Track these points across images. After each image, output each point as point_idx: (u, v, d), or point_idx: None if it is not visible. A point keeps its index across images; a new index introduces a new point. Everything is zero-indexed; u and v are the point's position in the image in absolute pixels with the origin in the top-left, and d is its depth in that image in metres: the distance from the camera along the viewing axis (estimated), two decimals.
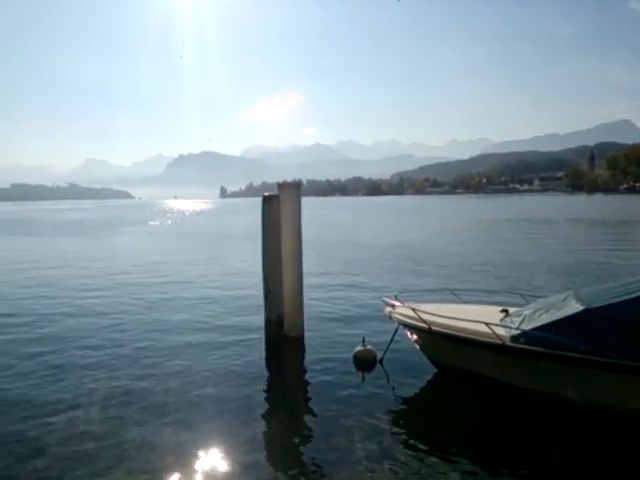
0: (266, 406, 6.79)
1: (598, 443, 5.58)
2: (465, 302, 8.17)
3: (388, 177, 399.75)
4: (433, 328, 6.93)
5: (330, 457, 5.33)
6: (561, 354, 5.82)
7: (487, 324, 6.36)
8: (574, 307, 6.13)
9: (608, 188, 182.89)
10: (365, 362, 7.99)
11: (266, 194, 9.73)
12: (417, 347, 7.81)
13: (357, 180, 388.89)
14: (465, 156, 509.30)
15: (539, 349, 5.96)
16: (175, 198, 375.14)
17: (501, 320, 6.86)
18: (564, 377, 5.92)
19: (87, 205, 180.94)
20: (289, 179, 10.84)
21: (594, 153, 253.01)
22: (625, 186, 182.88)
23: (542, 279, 15.22)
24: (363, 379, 7.60)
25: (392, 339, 8.02)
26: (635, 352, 5.53)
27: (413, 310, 7.26)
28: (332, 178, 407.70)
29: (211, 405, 6.66)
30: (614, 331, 5.79)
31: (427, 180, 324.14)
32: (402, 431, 5.98)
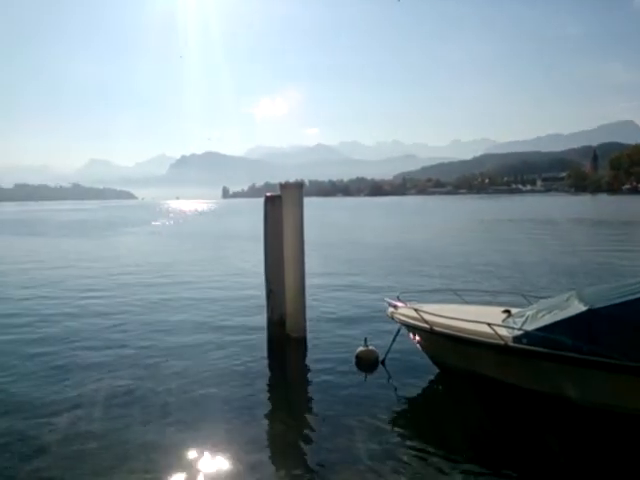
0: (268, 406, 6.80)
1: (601, 443, 5.57)
2: (467, 303, 8.16)
3: (391, 177, 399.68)
4: (435, 329, 6.93)
5: (332, 457, 5.33)
6: (564, 355, 5.81)
7: (489, 325, 6.36)
8: (577, 307, 6.11)
9: (611, 188, 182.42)
10: (367, 363, 7.98)
11: (268, 194, 9.73)
12: (419, 348, 7.81)
13: (360, 180, 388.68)
14: (468, 156, 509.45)
15: (542, 350, 5.95)
16: (178, 198, 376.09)
17: (503, 321, 6.85)
18: (567, 378, 5.91)
19: (90, 205, 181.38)
20: (291, 179, 10.88)
21: (597, 153, 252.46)
22: (628, 186, 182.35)
23: (545, 279, 15.19)
24: (365, 379, 7.60)
25: (394, 339, 8.02)
26: (638, 352, 5.51)
27: (415, 310, 7.26)
28: (334, 178, 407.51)
29: (213, 405, 6.66)
30: (617, 331, 5.77)
31: (430, 180, 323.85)
32: (404, 431, 5.98)
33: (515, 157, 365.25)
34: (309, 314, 9.67)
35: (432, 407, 6.97)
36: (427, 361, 7.73)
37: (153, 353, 8.79)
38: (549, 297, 7.53)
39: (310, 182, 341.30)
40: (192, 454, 5.34)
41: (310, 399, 7.08)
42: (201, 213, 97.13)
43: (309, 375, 7.91)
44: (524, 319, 6.57)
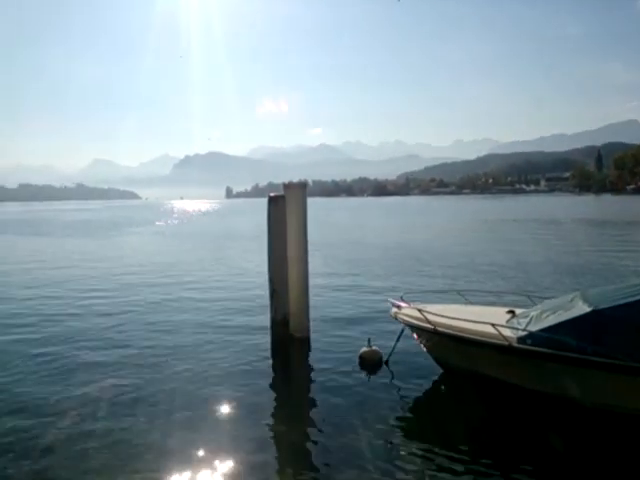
0: (272, 406, 6.79)
1: (606, 444, 5.54)
2: (471, 303, 8.14)
3: (394, 177, 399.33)
4: (439, 329, 6.91)
5: (335, 457, 5.33)
6: (568, 355, 5.79)
7: (493, 325, 6.34)
8: (581, 308, 6.09)
9: (615, 188, 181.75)
10: (371, 363, 7.97)
11: (272, 194, 9.75)
12: (423, 348, 7.80)
13: (363, 180, 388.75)
14: (470, 156, 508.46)
15: (546, 350, 5.93)
16: (181, 198, 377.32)
17: (507, 321, 6.82)
18: (571, 379, 5.88)
19: (94, 205, 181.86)
20: (295, 179, 10.87)
21: (601, 153, 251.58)
22: (633, 186, 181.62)
23: (549, 280, 15.15)
24: (369, 380, 7.58)
25: (398, 340, 8.01)
26: None
27: (419, 311, 7.25)
28: (338, 178, 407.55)
29: (217, 404, 6.66)
30: (622, 332, 5.75)
31: (433, 180, 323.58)
32: (408, 432, 5.97)
33: (519, 157, 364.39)
34: (312, 314, 9.66)
35: (436, 407, 6.95)
36: (431, 362, 7.71)
37: (157, 353, 8.80)
38: (553, 297, 7.51)
39: (313, 182, 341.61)
40: (196, 454, 5.35)
41: (314, 399, 7.08)
42: (205, 213, 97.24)
43: (313, 375, 7.90)
44: (528, 320, 6.54)
